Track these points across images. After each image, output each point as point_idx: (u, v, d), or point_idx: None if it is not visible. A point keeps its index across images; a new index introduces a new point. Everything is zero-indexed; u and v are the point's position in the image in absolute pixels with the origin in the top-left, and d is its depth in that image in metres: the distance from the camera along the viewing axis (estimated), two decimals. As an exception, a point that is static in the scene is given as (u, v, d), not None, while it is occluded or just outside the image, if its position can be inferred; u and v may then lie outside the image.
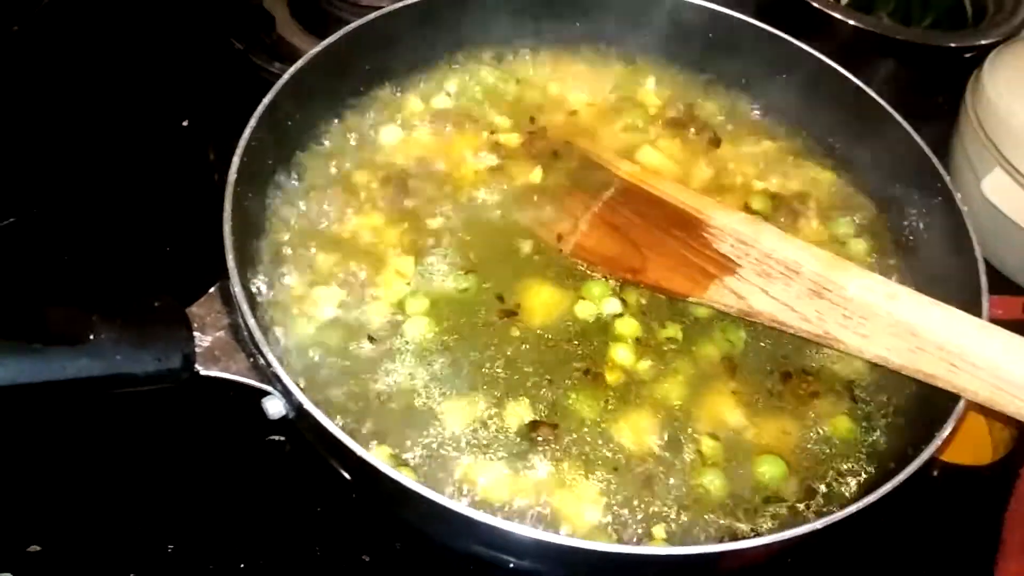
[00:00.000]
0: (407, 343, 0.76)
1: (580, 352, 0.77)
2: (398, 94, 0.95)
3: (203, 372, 0.69)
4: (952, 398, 0.70)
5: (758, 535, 0.68)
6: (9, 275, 0.90)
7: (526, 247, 0.83)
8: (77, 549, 0.76)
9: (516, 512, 0.68)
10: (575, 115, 0.96)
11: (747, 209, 0.90)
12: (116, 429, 0.82)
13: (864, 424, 0.77)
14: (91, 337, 0.64)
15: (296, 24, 1.16)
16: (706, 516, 0.69)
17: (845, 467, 0.74)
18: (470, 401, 0.73)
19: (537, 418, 0.72)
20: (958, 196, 0.83)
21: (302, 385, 0.69)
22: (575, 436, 0.72)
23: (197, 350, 0.69)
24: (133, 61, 1.14)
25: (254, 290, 0.76)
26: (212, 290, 0.72)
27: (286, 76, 0.81)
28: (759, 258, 0.79)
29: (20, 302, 0.67)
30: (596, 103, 0.98)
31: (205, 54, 1.15)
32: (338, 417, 0.71)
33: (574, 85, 0.99)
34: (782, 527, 0.69)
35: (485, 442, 0.71)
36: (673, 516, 0.69)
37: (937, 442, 0.67)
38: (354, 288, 0.79)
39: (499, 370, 0.75)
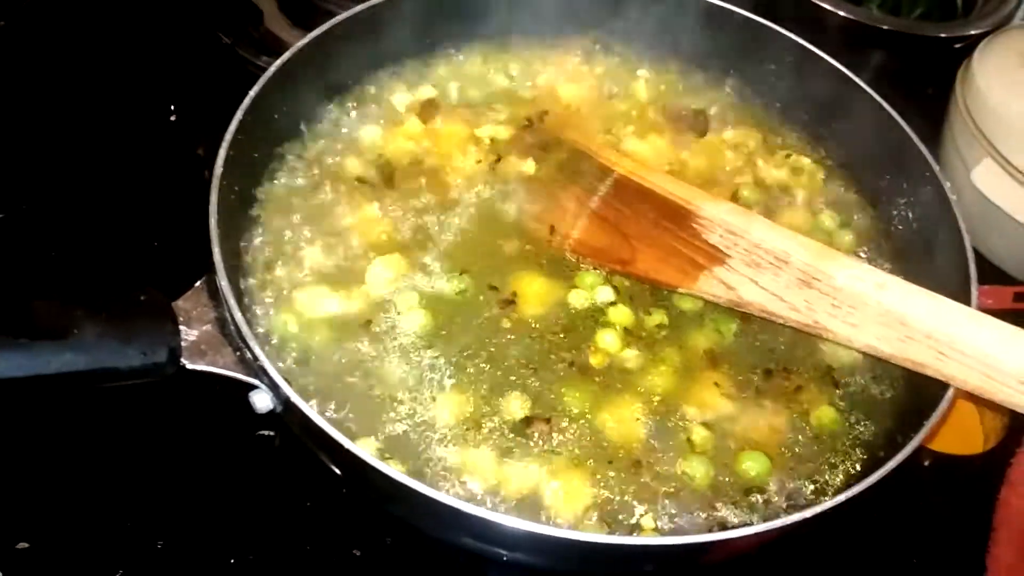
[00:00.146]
0: (397, 337, 0.75)
1: (570, 343, 0.76)
2: (387, 87, 0.94)
3: (189, 366, 0.68)
4: (942, 387, 0.70)
5: (749, 524, 0.68)
6: (-4, 270, 0.90)
7: (518, 239, 0.83)
8: (66, 546, 0.76)
9: (507, 504, 0.68)
10: (566, 108, 0.96)
11: (736, 200, 0.90)
12: (103, 425, 0.81)
13: (850, 414, 0.77)
14: (75, 331, 0.63)
15: (284, 18, 1.15)
16: (695, 506, 0.70)
17: (834, 457, 0.74)
18: (462, 395, 0.73)
19: (529, 413, 0.72)
20: (947, 186, 0.83)
21: (289, 379, 0.68)
22: (566, 428, 0.72)
23: (183, 344, 0.68)
24: (121, 56, 1.14)
25: (241, 284, 0.76)
26: (198, 284, 0.71)
27: (272, 69, 0.81)
28: (748, 248, 0.79)
29: (6, 297, 0.66)
30: (587, 96, 0.98)
31: (193, 48, 1.14)
32: (326, 411, 0.71)
33: (565, 78, 0.99)
34: (772, 516, 0.69)
35: (477, 435, 0.71)
36: (662, 506, 0.69)
37: (926, 430, 0.67)
38: (342, 282, 0.78)
39: (491, 363, 0.74)
